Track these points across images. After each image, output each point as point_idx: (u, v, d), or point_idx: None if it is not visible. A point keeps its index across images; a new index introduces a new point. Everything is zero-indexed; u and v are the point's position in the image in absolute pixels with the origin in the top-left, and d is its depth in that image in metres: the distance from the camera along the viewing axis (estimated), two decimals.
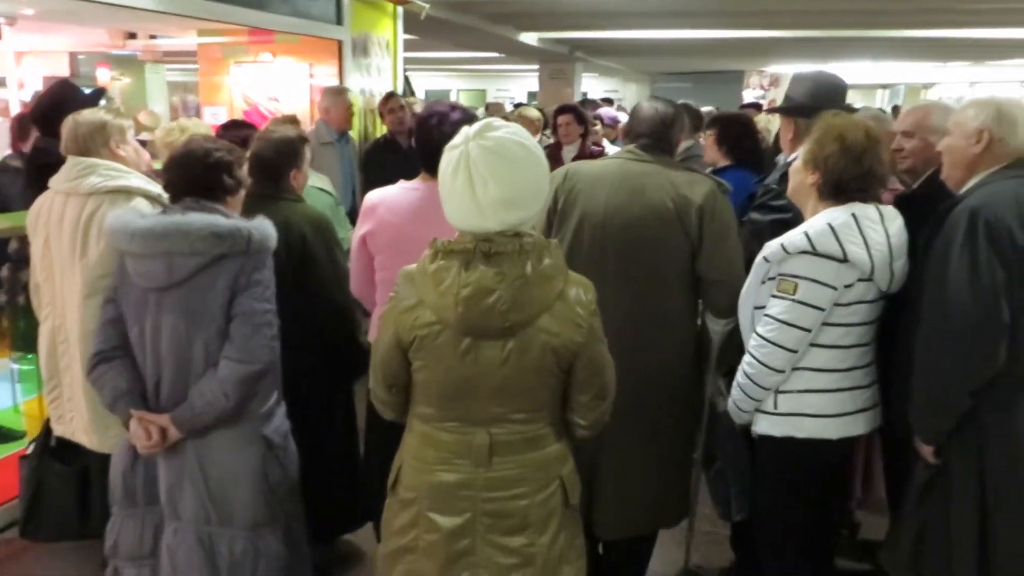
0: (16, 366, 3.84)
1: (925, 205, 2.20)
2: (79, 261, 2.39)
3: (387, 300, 1.77)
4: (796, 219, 2.27)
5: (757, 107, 8.05)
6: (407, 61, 6.72)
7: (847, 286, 2.08)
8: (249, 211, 2.19)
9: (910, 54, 12.87)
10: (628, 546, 2.58)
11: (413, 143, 2.61)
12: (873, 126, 2.15)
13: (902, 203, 2.33)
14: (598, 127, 6.08)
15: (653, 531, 2.63)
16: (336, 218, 3.03)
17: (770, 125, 6.43)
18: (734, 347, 2.38)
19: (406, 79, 6.80)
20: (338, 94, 4.95)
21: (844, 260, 2.06)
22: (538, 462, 1.75)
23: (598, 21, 9.13)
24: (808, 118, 2.51)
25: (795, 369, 2.16)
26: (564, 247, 2.39)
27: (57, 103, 3.04)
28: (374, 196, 2.44)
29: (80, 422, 2.53)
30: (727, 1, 7.77)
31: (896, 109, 10.42)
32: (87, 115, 2.51)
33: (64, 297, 2.46)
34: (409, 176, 2.47)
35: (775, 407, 2.20)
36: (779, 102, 3.25)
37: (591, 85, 16.17)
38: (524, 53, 11.86)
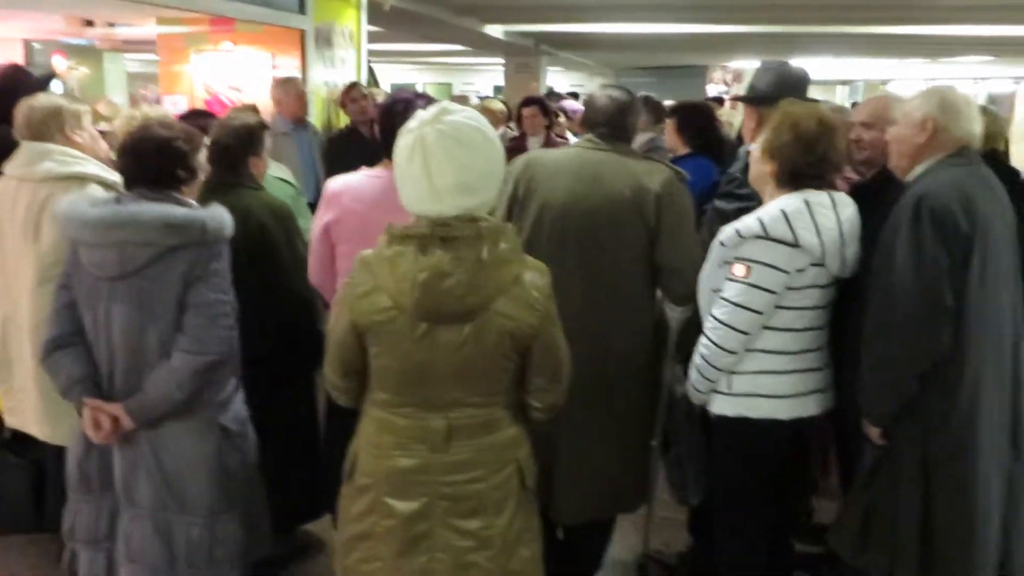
0: None
1: (880, 194, 2.26)
2: (31, 248, 2.36)
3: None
4: (760, 207, 2.32)
5: (719, 101, 8.16)
6: (372, 53, 6.69)
7: (799, 270, 2.13)
8: (207, 199, 2.17)
9: (869, 50, 13.10)
10: (587, 531, 2.61)
11: (376, 132, 2.61)
12: (828, 113, 2.20)
13: (858, 192, 2.39)
14: (562, 120, 6.12)
15: (612, 516, 2.66)
16: (298, 208, 3.01)
17: (732, 118, 6.54)
18: (692, 333, 2.42)
19: (370, 70, 6.77)
20: (286, 83, 4.88)
21: (796, 245, 2.10)
22: (495, 446, 1.77)
23: (562, 14, 9.16)
24: (771, 107, 2.56)
25: (749, 351, 2.21)
26: (524, 235, 2.40)
27: (8, 88, 2.98)
28: (336, 184, 2.43)
29: (32, 413, 2.49)
30: None
31: (856, 105, 10.60)
32: (42, 100, 2.48)
33: (16, 285, 2.42)
34: (372, 166, 2.47)
35: (730, 388, 2.25)
36: None
37: (557, 79, 16.21)
38: (489, 46, 11.84)
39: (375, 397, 1.78)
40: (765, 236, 2.12)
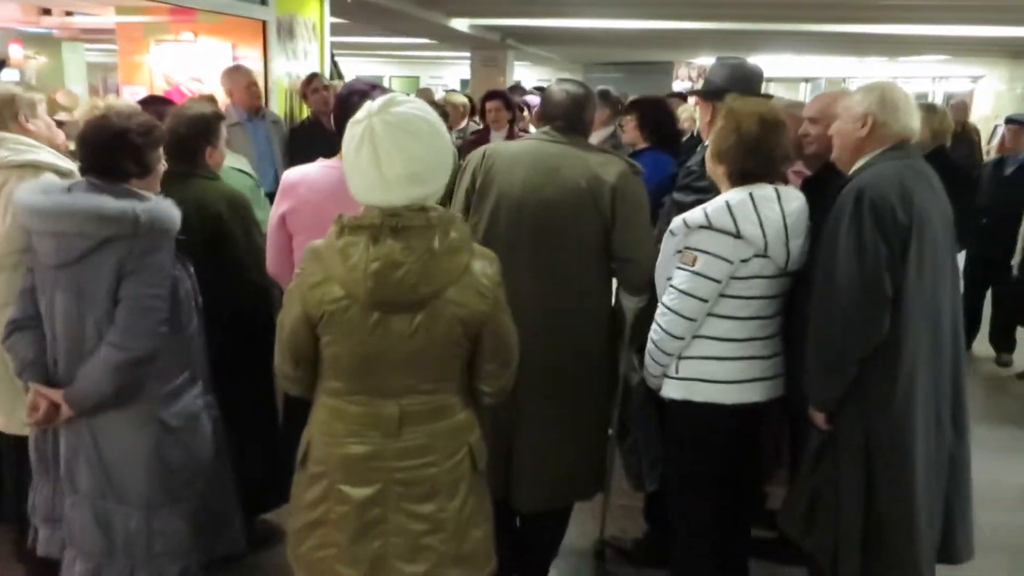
0: None
1: (825, 187, 2.33)
2: None
3: None
4: None
5: (683, 97, 8.23)
6: (337, 46, 6.66)
7: (743, 260, 2.19)
8: (163, 189, 2.17)
9: (830, 48, 13.32)
10: (544, 519, 2.65)
11: (334, 124, 2.61)
12: (769, 111, 2.26)
13: (808, 186, 2.46)
14: (526, 114, 6.16)
15: (569, 504, 2.69)
16: (256, 199, 3.00)
17: (696, 114, 6.61)
18: (647, 323, 2.47)
19: (333, 62, 6.74)
20: (235, 72, 4.80)
21: (738, 236, 2.17)
22: (447, 430, 1.80)
23: (528, 8, 9.19)
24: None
25: (696, 337, 2.27)
26: (482, 226, 2.43)
27: None
28: (293, 174, 2.44)
29: None
30: None
31: None
32: None
33: None
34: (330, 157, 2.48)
35: (677, 372, 2.32)
36: None
37: (524, 74, 16.22)
38: (455, 39, 11.83)
39: (327, 386, 1.80)
40: (709, 226, 2.18)
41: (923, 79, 17.59)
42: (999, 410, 4.84)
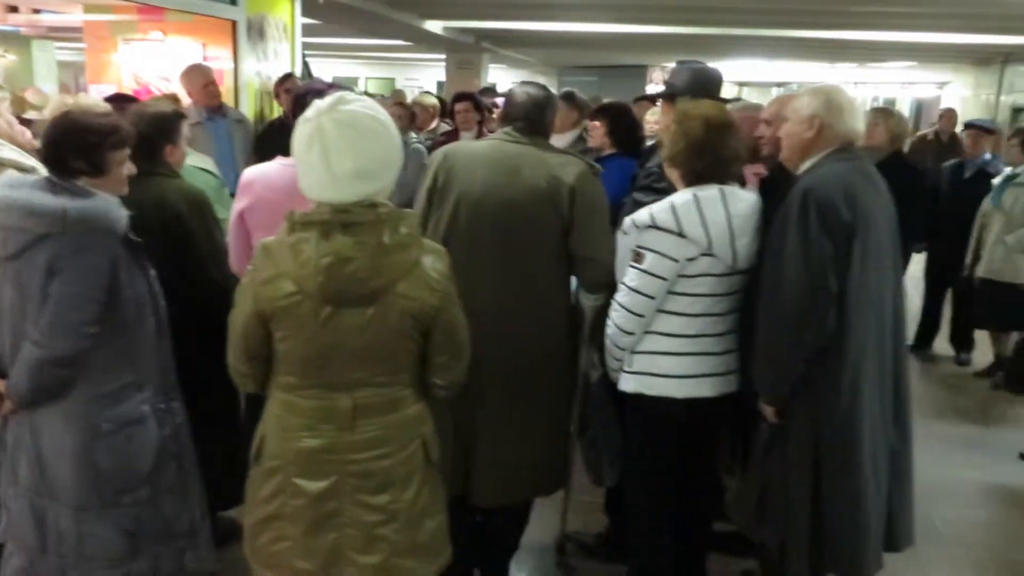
0: None
1: (778, 187, 2.38)
2: None
3: None
4: None
5: (651, 100, 8.30)
6: (311, 46, 6.68)
7: (689, 259, 2.25)
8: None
9: (801, 54, 13.49)
10: (505, 514, 2.68)
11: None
12: (715, 114, 2.31)
13: (764, 186, 2.52)
14: (495, 115, 6.18)
15: (529, 499, 2.72)
16: (220, 199, 3.01)
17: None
18: (605, 320, 2.51)
19: (305, 63, 6.74)
20: (192, 71, 4.77)
21: (681, 235, 2.22)
22: (400, 423, 1.83)
23: (502, 11, 9.23)
24: None
25: (648, 332, 2.33)
26: (442, 225, 2.46)
27: None
28: (251, 173, 2.47)
29: None
30: None
31: None
32: None
33: None
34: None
35: (631, 366, 2.38)
36: None
37: (500, 77, 16.29)
38: (430, 42, 11.84)
39: (280, 381, 1.82)
40: (654, 226, 2.24)
41: (892, 84, 17.89)
42: (957, 408, 4.94)
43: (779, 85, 19.60)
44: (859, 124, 2.24)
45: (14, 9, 6.67)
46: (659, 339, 2.33)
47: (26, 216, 1.96)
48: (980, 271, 4.99)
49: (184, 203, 2.50)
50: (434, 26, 10.25)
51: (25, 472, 2.12)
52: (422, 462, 1.87)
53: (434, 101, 6.18)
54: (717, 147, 2.26)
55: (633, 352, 2.36)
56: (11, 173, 2.36)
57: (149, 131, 2.51)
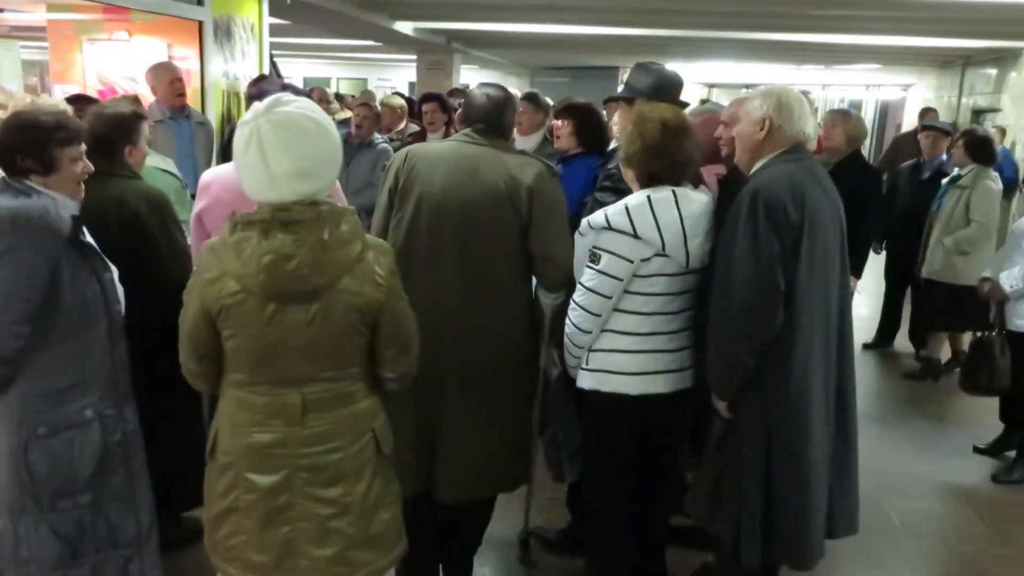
0: None
1: (732, 187, 2.43)
2: None
3: None
4: None
5: (627, 100, 8.36)
6: (282, 47, 6.66)
7: (644, 259, 2.30)
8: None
9: (769, 56, 13.67)
10: (467, 510, 2.70)
11: None
12: (671, 117, 2.36)
13: (722, 186, 2.57)
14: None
15: (491, 495, 2.75)
16: (180, 200, 3.01)
17: None
18: (565, 319, 2.55)
19: (273, 63, 6.73)
20: (158, 69, 4.75)
21: (636, 236, 2.27)
22: (350, 417, 1.86)
23: (471, 12, 9.24)
24: None
25: (604, 331, 2.38)
26: (404, 225, 2.49)
27: None
28: (209, 174, 2.48)
29: None
30: None
31: None
32: None
33: None
34: None
35: (588, 363, 2.43)
36: None
37: (472, 78, 16.27)
38: (400, 42, 11.83)
39: (231, 378, 1.85)
40: (609, 227, 2.29)
41: (857, 87, 18.15)
42: (915, 404, 5.05)
43: (747, 87, 19.83)
44: (809, 126, 2.30)
45: None
46: (615, 337, 2.38)
47: None
48: (923, 271, 5.12)
49: (143, 204, 2.50)
50: (404, 27, 10.25)
51: None
52: (373, 455, 1.90)
53: (401, 102, 6.20)
54: (673, 150, 2.31)
55: (590, 350, 2.41)
56: None
57: (108, 131, 2.52)
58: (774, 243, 2.12)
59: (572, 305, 2.39)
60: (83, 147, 2.15)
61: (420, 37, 10.95)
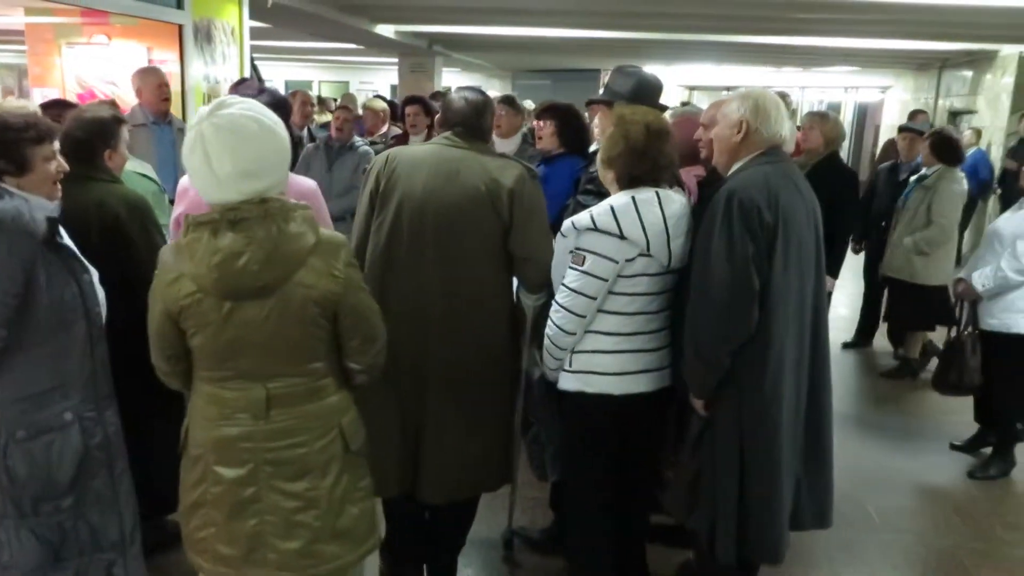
0: None
1: (712, 189, 2.46)
2: None
3: None
4: None
5: (607, 103, 8.42)
6: (263, 50, 6.64)
7: (628, 260, 2.32)
8: (63, 191, 2.16)
9: (749, 59, 13.79)
10: (451, 510, 2.71)
11: None
12: (654, 120, 2.39)
13: (701, 188, 2.60)
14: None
15: (475, 495, 2.77)
16: (159, 204, 3.00)
17: None
18: (546, 319, 2.57)
19: (253, 67, 6.71)
20: (146, 73, 4.72)
21: (622, 237, 2.29)
22: (316, 413, 1.89)
23: (451, 16, 9.25)
24: None
25: (587, 332, 2.40)
26: (385, 227, 2.50)
27: None
28: (187, 179, 2.47)
29: None
30: (576, 2, 8.09)
31: None
32: None
33: None
34: None
35: (571, 365, 2.45)
36: None
37: (454, 80, 16.30)
38: (382, 45, 11.81)
39: (200, 374, 1.89)
40: (595, 229, 2.31)
41: (836, 89, 18.32)
42: (893, 401, 5.12)
43: (728, 89, 19.97)
44: (785, 129, 2.33)
45: None
46: (597, 338, 2.40)
47: None
48: (883, 269, 5.18)
49: (124, 207, 2.50)
50: (386, 30, 10.24)
51: None
52: (340, 451, 1.93)
53: (384, 105, 6.20)
54: (656, 153, 2.34)
55: (573, 352, 2.43)
56: None
57: (87, 136, 2.51)
58: (748, 245, 2.16)
59: (555, 307, 2.40)
60: (56, 146, 2.14)
61: (401, 40, 10.94)
